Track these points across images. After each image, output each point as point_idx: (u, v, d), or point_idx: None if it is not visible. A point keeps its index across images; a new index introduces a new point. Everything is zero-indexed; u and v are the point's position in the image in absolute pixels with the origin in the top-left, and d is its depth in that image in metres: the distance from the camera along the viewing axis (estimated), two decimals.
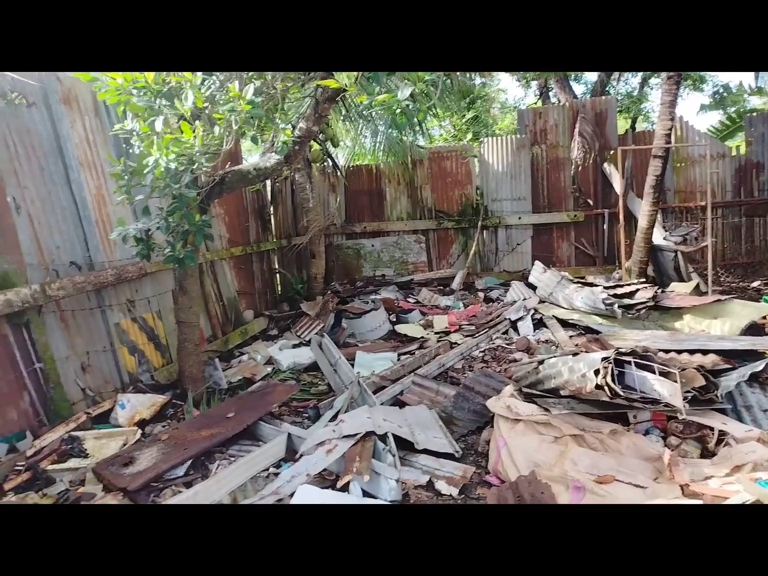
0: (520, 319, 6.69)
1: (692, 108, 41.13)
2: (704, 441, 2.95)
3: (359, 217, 10.06)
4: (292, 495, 3.09)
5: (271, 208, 8.65)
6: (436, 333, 6.57)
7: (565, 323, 6.39)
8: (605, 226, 9.11)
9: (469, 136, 12.71)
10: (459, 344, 5.93)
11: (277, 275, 8.65)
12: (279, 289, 8.67)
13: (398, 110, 3.08)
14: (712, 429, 2.95)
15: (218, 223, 6.82)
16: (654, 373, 2.77)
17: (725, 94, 12.53)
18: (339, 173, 9.32)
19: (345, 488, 3.15)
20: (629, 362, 2.82)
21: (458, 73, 7.78)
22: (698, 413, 3.01)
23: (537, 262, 7.85)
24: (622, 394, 2.71)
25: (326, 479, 3.33)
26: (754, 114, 9.81)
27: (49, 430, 3.88)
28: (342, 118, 8.63)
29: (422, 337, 6.37)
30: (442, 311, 7.67)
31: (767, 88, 12.77)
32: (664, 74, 7.40)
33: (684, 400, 2.73)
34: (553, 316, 6.62)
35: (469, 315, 7.26)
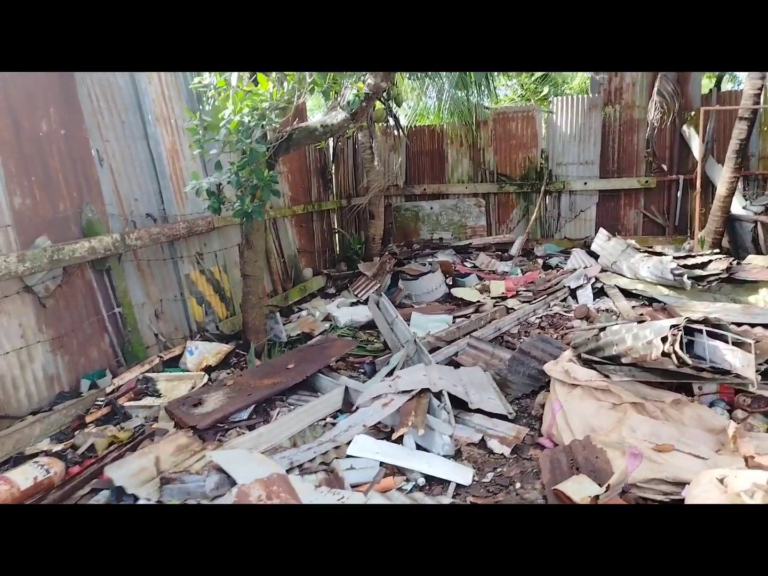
0: (580, 287, 6.52)
1: None
2: None
3: (419, 179, 9.95)
4: (348, 443, 3.23)
5: (333, 168, 8.71)
6: (492, 298, 6.53)
7: (627, 293, 6.18)
8: (679, 194, 8.62)
9: (540, 94, 12.15)
10: (515, 310, 5.88)
11: (337, 235, 8.77)
12: (338, 248, 8.81)
13: None
14: None
15: (281, 181, 6.95)
16: (726, 343, 2.66)
17: None
18: (401, 133, 9.21)
19: (399, 441, 3.26)
20: (700, 331, 2.72)
21: None
22: None
23: (601, 230, 7.57)
24: (690, 362, 2.63)
25: (381, 431, 3.45)
26: None
27: (126, 370, 4.19)
28: (408, 75, 8.47)
29: (478, 302, 6.34)
30: (499, 276, 7.58)
31: None
32: None
33: (756, 372, 2.62)
34: (615, 285, 6.42)
35: (527, 281, 7.15)
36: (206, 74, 3.49)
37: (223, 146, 3.72)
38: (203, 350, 4.69)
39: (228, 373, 4.49)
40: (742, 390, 2.95)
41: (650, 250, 6.75)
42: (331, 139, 8.41)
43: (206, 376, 4.29)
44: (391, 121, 8.76)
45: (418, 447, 3.27)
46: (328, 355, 4.46)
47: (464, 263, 8.41)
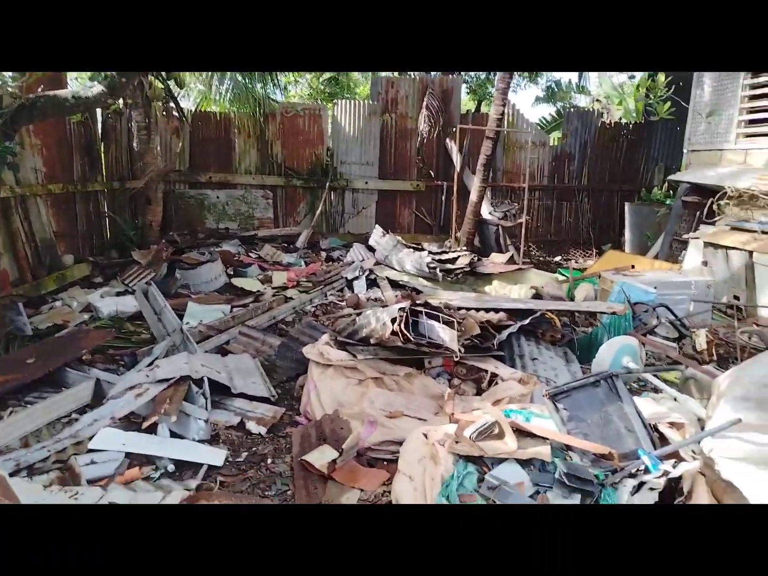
0: (356, 278, 7.03)
1: (529, 99, 45.31)
2: (480, 382, 3.48)
3: (205, 166, 9.58)
4: (92, 438, 3.04)
5: (102, 146, 7.91)
6: (273, 288, 6.65)
7: (396, 284, 6.86)
8: (443, 198, 9.81)
9: (327, 95, 12.67)
10: (293, 299, 6.09)
11: (107, 219, 7.99)
12: (108, 234, 8.02)
13: None
14: (486, 371, 3.48)
15: (33, 154, 6.11)
16: (440, 322, 3.18)
17: (556, 90, 13.97)
18: (183, 117, 8.76)
19: (153, 430, 3.17)
20: (422, 312, 3.20)
21: None
22: (478, 359, 3.53)
23: (377, 226, 8.25)
24: (412, 338, 3.08)
25: (134, 422, 3.31)
26: (572, 110, 11.14)
27: None
28: None
29: (258, 291, 6.41)
30: (283, 268, 7.74)
31: (589, 88, 14.52)
32: None
33: (462, 345, 3.18)
34: (386, 277, 7.06)
35: (309, 273, 7.43)
36: None
37: None
38: None
39: None
40: (459, 362, 3.55)
41: (415, 246, 7.57)
42: (100, 113, 7.62)
43: None
44: (172, 103, 8.26)
45: (174, 435, 3.22)
46: (79, 347, 4.09)
47: (249, 254, 8.38)
